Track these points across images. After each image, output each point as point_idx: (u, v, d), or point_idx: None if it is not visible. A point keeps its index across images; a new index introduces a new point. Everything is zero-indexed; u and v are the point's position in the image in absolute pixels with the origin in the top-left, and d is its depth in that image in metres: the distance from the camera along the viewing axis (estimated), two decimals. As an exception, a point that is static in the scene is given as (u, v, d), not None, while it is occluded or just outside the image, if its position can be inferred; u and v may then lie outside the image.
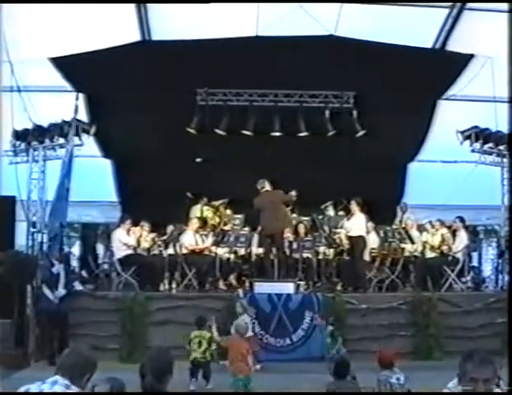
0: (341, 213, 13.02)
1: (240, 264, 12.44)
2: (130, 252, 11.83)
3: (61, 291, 10.24)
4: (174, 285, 11.75)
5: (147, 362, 4.02)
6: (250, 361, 7.77)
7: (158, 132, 13.64)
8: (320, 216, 12.92)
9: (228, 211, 13.33)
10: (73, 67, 12.43)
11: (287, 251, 12.00)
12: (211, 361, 8.71)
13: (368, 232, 12.23)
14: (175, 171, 14.03)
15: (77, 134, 11.84)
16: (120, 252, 11.81)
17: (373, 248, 12.39)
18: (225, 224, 12.75)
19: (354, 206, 11.86)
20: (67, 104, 12.26)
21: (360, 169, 13.77)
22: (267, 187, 11.45)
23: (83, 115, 12.93)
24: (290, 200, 11.57)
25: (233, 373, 7.72)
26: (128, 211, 13.28)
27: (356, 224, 11.79)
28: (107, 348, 9.81)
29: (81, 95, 13.09)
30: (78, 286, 11.45)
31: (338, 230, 12.50)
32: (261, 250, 12.13)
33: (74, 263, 13.96)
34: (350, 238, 11.94)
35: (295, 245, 12.19)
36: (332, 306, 10.44)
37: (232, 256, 12.27)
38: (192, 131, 13.58)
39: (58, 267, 10.42)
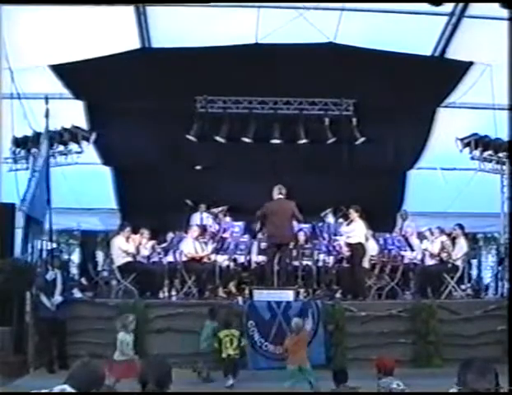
0: (340, 220, 12.97)
1: (240, 272, 12.41)
2: (129, 259, 11.81)
3: (57, 298, 10.19)
4: (173, 293, 11.73)
5: (148, 370, 4.05)
6: (304, 354, 8.72)
7: (158, 139, 13.69)
8: (320, 224, 12.91)
9: (227, 219, 13.34)
10: (73, 75, 12.46)
11: (287, 259, 11.91)
12: (240, 358, 9.27)
13: (367, 239, 12.23)
14: (175, 178, 14.04)
15: (77, 141, 11.83)
16: (120, 259, 11.79)
17: (372, 256, 12.39)
18: (225, 231, 12.71)
19: (353, 214, 11.86)
20: (67, 112, 12.27)
21: (360, 177, 13.79)
22: (283, 194, 11.48)
23: (83, 122, 12.96)
24: (300, 219, 11.58)
25: (290, 364, 8.70)
26: (127, 219, 13.31)
27: (355, 231, 11.78)
28: (106, 356, 9.75)
29: (80, 103, 13.16)
30: (77, 294, 11.42)
31: (338, 238, 12.52)
32: (261, 258, 12.14)
33: (73, 271, 13.91)
34: (349, 245, 11.93)
35: (294, 253, 12.16)
36: (332, 314, 10.38)
37: (232, 263, 12.26)
38: (191, 138, 13.59)
39: (52, 274, 10.36)
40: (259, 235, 12.52)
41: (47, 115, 10.82)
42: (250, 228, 12.58)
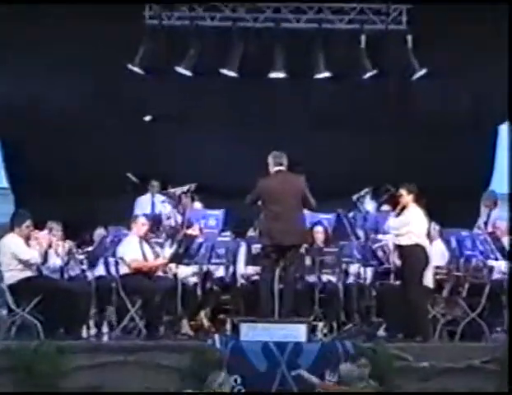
0: (385, 208, 13.14)
1: (218, 293, 12.59)
2: (30, 273, 11.70)
3: None
4: (105, 329, 11.81)
5: None
6: None
7: (78, 72, 13.74)
8: (351, 214, 12.90)
9: (197, 205, 13.43)
10: None
11: (296, 271, 11.82)
12: None
13: (431, 240, 12.30)
14: (108, 139, 14.18)
15: None
16: (14, 273, 11.67)
17: (439, 267, 12.43)
18: (192, 225, 12.66)
19: (405, 197, 11.83)
20: None
21: (418, 136, 14.06)
22: (285, 166, 11.54)
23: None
24: (312, 205, 11.68)
25: None
26: (26, 205, 13.21)
27: (410, 225, 11.72)
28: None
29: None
30: None
31: (380, 236, 12.63)
32: (252, 270, 12.28)
33: None
34: (400, 248, 11.88)
35: (308, 261, 12.28)
36: (372, 362, 10.31)
37: (204, 279, 12.34)
38: (136, 70, 13.69)
39: None
40: (251, 232, 12.62)
41: None
42: (235, 219, 12.80)
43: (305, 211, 11.92)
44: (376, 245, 12.52)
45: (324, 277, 12.29)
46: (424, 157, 13.73)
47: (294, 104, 14.00)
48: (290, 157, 11.76)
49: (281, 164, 11.45)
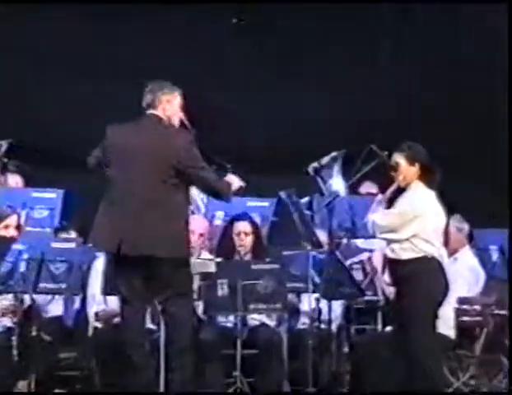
0: (367, 188, 13.59)
1: (51, 346, 12.23)
2: None
3: None
4: None
5: None
6: None
7: None
8: (304, 199, 12.85)
9: (13, 179, 13.56)
10: None
11: (199, 308, 12.02)
12: None
13: (453, 250, 12.59)
14: None
15: None
16: None
17: (467, 300, 12.45)
18: (4, 219, 12.22)
19: (404, 169, 11.27)
20: None
21: (426, 68, 14.60)
22: (161, 109, 10.90)
23: None
24: (210, 182, 10.99)
25: None
26: None
27: (416, 221, 11.11)
28: None
29: None
30: None
31: (359, 242, 12.77)
32: (116, 303, 11.74)
33: None
34: (396, 265, 11.29)
35: (224, 287, 11.69)
36: None
37: (23, 319, 11.89)
38: None
39: None
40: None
41: None
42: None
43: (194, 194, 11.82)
44: (352, 260, 12.09)
45: (254, 318, 12.15)
46: (437, 101, 13.72)
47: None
48: (191, 94, 11.19)
49: (151, 106, 10.81)
